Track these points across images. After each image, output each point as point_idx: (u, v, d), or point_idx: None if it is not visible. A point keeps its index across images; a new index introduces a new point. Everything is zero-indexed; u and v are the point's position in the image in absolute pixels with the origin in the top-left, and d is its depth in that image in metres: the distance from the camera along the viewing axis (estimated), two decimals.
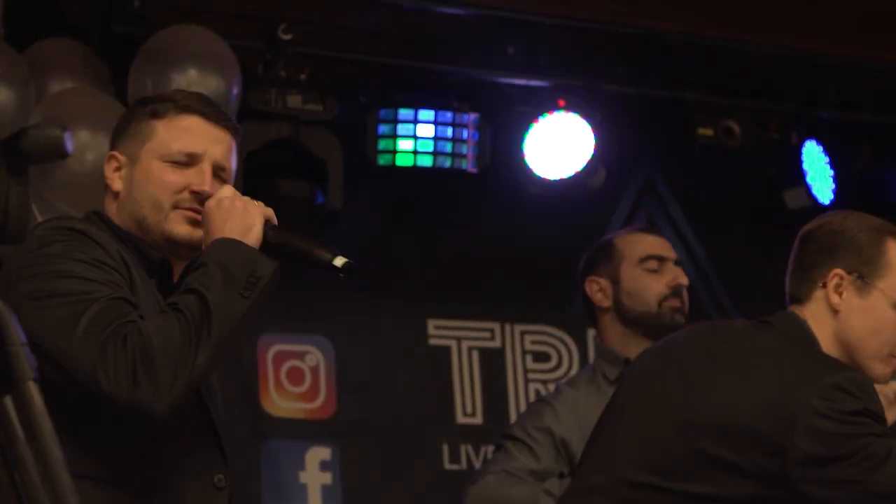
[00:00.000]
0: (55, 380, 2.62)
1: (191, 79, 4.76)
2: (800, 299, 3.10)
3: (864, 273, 3.07)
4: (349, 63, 5.28)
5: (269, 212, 2.90)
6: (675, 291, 4.23)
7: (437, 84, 5.40)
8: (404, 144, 5.29)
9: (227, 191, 2.90)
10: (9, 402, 2.38)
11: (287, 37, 5.06)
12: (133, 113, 3.02)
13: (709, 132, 5.79)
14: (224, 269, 2.74)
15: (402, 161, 5.30)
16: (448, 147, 5.33)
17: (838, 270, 3.08)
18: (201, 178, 2.92)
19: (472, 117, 5.37)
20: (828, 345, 3.06)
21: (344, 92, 5.22)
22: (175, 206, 2.91)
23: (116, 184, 2.96)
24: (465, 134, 5.35)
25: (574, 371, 5.79)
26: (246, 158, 4.99)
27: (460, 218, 5.65)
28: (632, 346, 4.13)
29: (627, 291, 4.25)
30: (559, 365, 5.88)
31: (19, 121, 4.67)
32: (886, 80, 6.04)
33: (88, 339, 2.66)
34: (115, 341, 2.65)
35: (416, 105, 5.30)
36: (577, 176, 5.53)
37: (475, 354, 5.77)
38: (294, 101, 5.04)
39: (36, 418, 2.35)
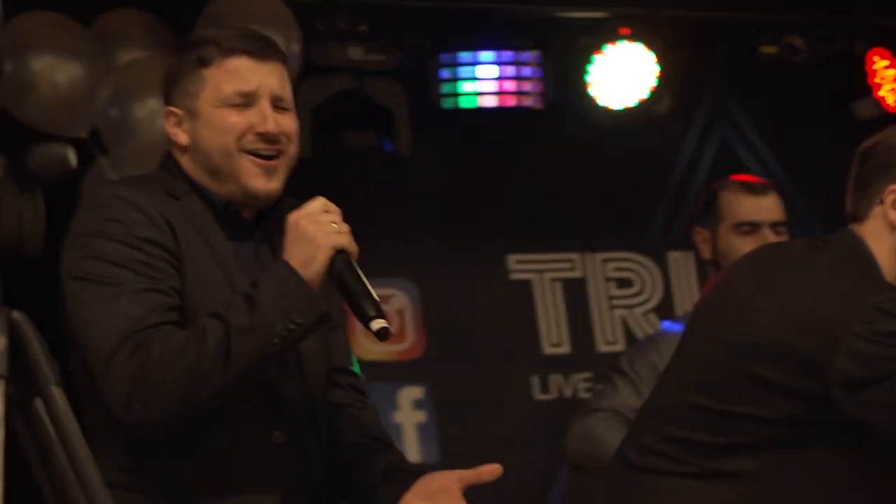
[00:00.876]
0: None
1: None
2: (859, 217, 3.07)
3: None
4: (407, 10, 5.36)
5: (345, 241, 2.83)
6: None
7: (495, 24, 5.48)
8: (468, 87, 5.40)
9: (315, 205, 2.88)
10: (39, 404, 2.55)
11: None
12: (180, 64, 2.99)
13: (773, 50, 5.81)
14: (262, 311, 2.70)
15: (467, 103, 5.40)
16: (511, 86, 5.42)
17: (891, 188, 3.03)
18: (262, 116, 2.92)
19: (533, 54, 5.46)
20: (887, 261, 3.02)
21: (404, 40, 5.30)
22: (242, 150, 2.92)
23: (182, 137, 2.95)
24: (527, 71, 5.44)
25: (658, 296, 5.90)
26: (312, 113, 5.15)
27: (530, 154, 5.73)
28: None
29: (722, 253, 4.31)
30: (642, 290, 5.97)
31: (91, 95, 4.85)
32: None
33: (104, 341, 2.70)
34: (124, 356, 2.68)
35: (476, 47, 5.39)
36: (643, 104, 5.60)
37: (557, 285, 5.88)
38: (355, 52, 5.16)
39: (61, 419, 2.51)
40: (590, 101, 5.60)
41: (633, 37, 5.63)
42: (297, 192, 5.44)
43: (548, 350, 5.81)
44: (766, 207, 4.34)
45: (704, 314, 3.13)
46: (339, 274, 2.75)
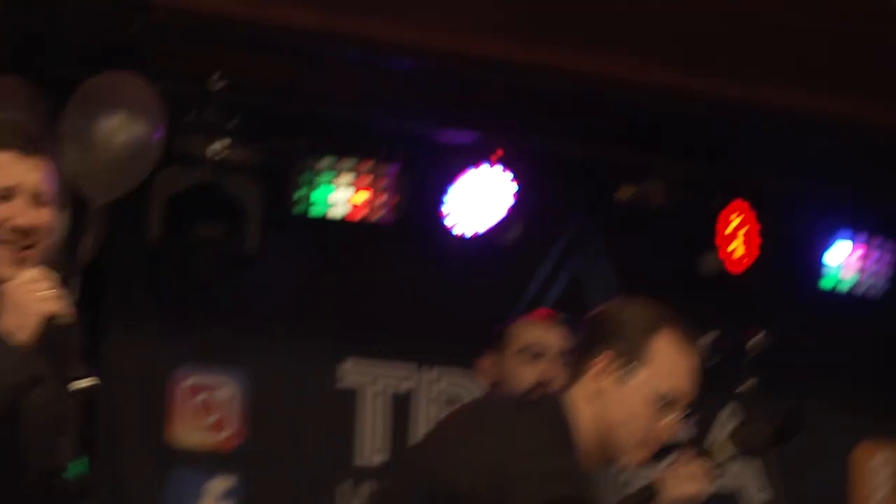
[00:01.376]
0: None
1: (118, 122, 4.93)
2: (573, 379, 3.20)
3: (630, 361, 3.15)
4: (276, 113, 5.41)
5: (56, 307, 2.87)
6: (544, 384, 4.25)
7: (359, 135, 5.55)
8: (323, 193, 5.45)
9: (28, 275, 2.91)
10: None
11: (219, 85, 5.20)
12: None
13: (631, 192, 5.95)
14: None
15: (321, 210, 5.46)
16: (365, 198, 5.49)
17: (606, 354, 3.16)
18: (16, 210, 2.97)
19: (391, 168, 5.52)
20: (587, 426, 3.14)
21: (269, 141, 5.35)
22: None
23: None
24: (383, 184, 5.51)
25: None
26: (168, 201, 5.18)
27: (378, 265, 5.81)
28: None
29: (505, 378, 4.38)
30: None
31: None
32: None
33: None
34: None
35: (337, 154, 5.45)
36: (492, 231, 5.70)
37: (386, 397, 5.94)
38: (218, 147, 5.20)
39: None
40: (441, 222, 5.69)
41: (495, 162, 5.72)
42: (146, 275, 5.51)
43: (364, 459, 5.86)
44: (554, 337, 4.40)
45: (410, 457, 3.26)
46: (49, 337, 2.82)
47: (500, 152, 5.75)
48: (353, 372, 5.91)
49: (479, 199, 5.74)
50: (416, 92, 5.57)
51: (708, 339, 4.26)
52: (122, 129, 4.95)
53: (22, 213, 2.96)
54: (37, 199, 3.00)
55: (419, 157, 5.69)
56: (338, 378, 5.87)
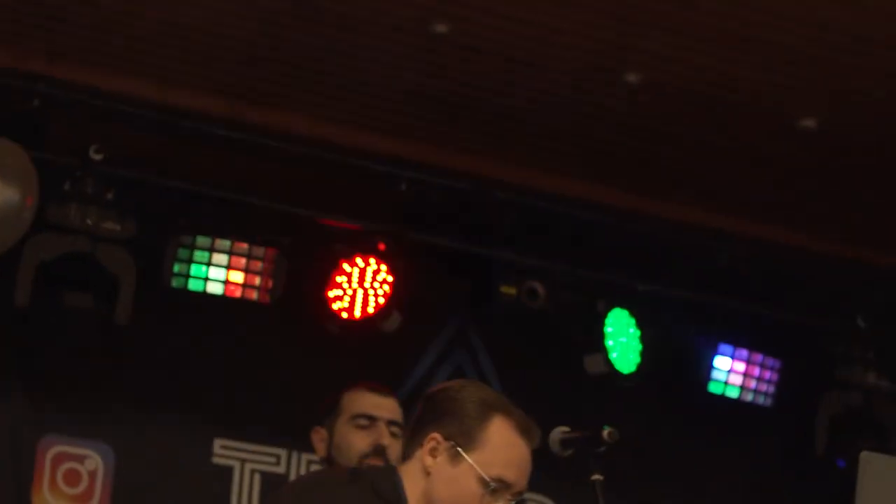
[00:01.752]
0: None
1: None
2: (406, 456, 3.27)
3: (461, 443, 3.20)
4: (155, 188, 5.50)
5: None
6: (377, 450, 4.34)
7: (242, 216, 5.64)
8: (198, 270, 5.54)
9: None
10: None
11: (98, 157, 5.31)
12: None
13: (512, 291, 6.03)
14: None
15: (195, 286, 5.53)
16: (240, 277, 5.57)
17: (436, 434, 3.21)
18: None
19: (268, 251, 5.62)
20: (416, 502, 3.19)
21: (146, 215, 5.44)
22: None
23: None
24: (259, 266, 5.60)
25: None
26: (38, 268, 5.25)
27: (254, 345, 5.86)
28: None
29: (337, 447, 4.39)
30: None
31: None
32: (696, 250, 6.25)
33: None
34: None
35: (214, 234, 5.54)
36: (371, 318, 5.78)
37: (257, 477, 5.96)
38: (93, 218, 5.28)
39: None
40: (321, 305, 5.76)
41: (380, 253, 5.82)
42: (14, 340, 5.55)
43: None
44: (385, 405, 4.44)
45: None
46: None
47: (381, 246, 5.84)
48: (225, 452, 5.93)
49: (358, 287, 5.81)
50: (300, 178, 5.68)
51: (563, 431, 4.32)
52: None
53: None
54: None
55: (298, 241, 5.77)
56: (211, 454, 5.89)
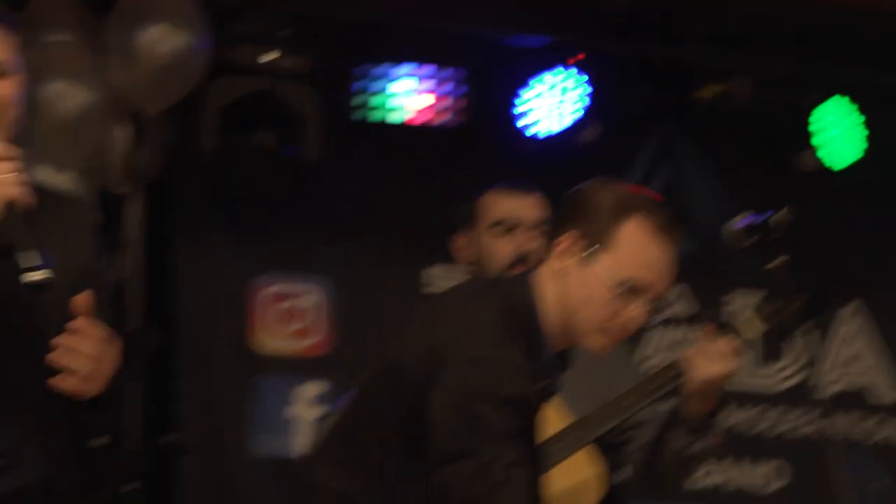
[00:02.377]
0: None
1: (158, 34, 5.09)
2: (543, 258, 3.16)
3: (592, 243, 3.07)
4: (331, 19, 5.46)
5: (13, 192, 2.73)
6: (520, 258, 4.17)
7: (425, 39, 5.55)
8: (383, 99, 5.49)
9: None
10: None
11: None
12: None
13: (714, 93, 5.79)
14: None
15: (381, 115, 5.49)
16: (428, 101, 5.49)
17: (570, 234, 3.09)
18: None
19: (456, 71, 5.51)
20: (551, 305, 3.09)
21: (324, 48, 5.41)
22: None
23: None
24: (445, 88, 5.50)
25: None
26: (222, 112, 5.31)
27: (445, 170, 5.79)
28: None
29: (482, 256, 4.24)
30: None
31: None
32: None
33: None
34: None
35: (398, 59, 5.47)
36: (568, 130, 5.64)
37: None
38: (270, 56, 5.29)
39: None
40: (513, 123, 5.65)
41: (572, 65, 5.66)
42: (195, 185, 5.64)
43: None
44: (526, 206, 4.24)
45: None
46: (4, 225, 2.71)
47: (580, 56, 5.67)
48: (440, 277, 5.93)
49: (553, 102, 5.67)
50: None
51: (740, 220, 4.14)
52: (164, 40, 5.10)
53: None
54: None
55: (488, 61, 5.65)
56: (422, 284, 5.89)
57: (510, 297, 3.08)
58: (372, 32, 5.52)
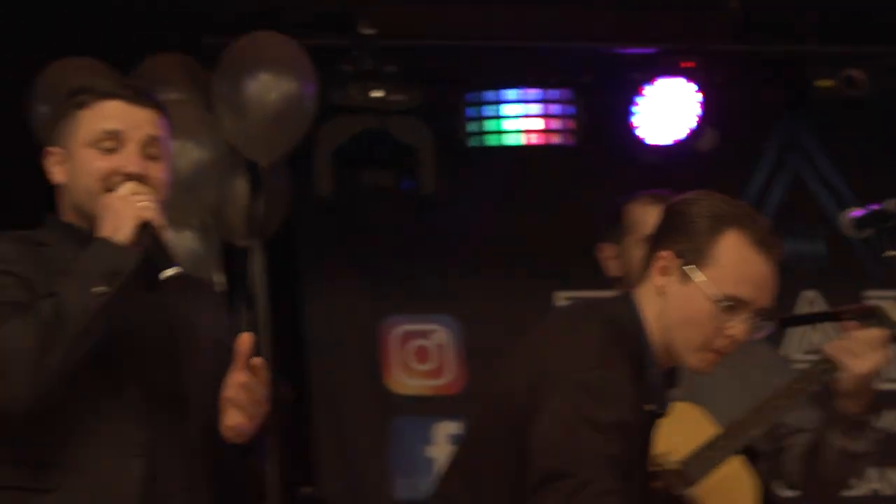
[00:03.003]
0: None
1: (264, 83, 5.07)
2: (644, 276, 3.08)
3: (691, 260, 2.99)
4: (435, 49, 5.42)
5: (150, 214, 2.97)
6: None
7: (533, 60, 5.49)
8: (494, 124, 5.42)
9: (124, 189, 3.01)
10: None
11: (369, 31, 5.26)
12: (60, 108, 3.15)
13: (831, 84, 5.64)
14: (83, 268, 2.92)
15: (493, 140, 5.43)
16: (538, 123, 5.42)
17: (667, 252, 3.01)
18: (131, 158, 3.03)
19: (563, 92, 5.44)
20: (653, 325, 3.02)
21: (430, 79, 5.37)
22: (110, 191, 3.03)
23: (58, 177, 3.11)
24: (556, 109, 5.43)
25: None
26: (336, 153, 5.28)
27: (564, 189, 5.71)
28: None
29: (627, 263, 4.10)
30: None
31: None
32: None
33: None
34: None
35: (503, 85, 5.41)
36: (685, 139, 5.53)
37: None
38: (377, 92, 5.25)
39: None
40: (632, 136, 5.55)
41: (682, 72, 5.56)
42: (316, 230, 5.62)
43: None
44: None
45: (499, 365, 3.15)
46: (141, 240, 2.96)
47: (684, 64, 5.57)
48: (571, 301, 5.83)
49: (666, 111, 5.56)
50: (579, 15, 5.48)
51: (856, 210, 3.99)
52: (271, 88, 5.08)
53: (131, 162, 3.03)
54: (148, 151, 3.07)
55: (595, 76, 5.57)
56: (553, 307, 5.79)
57: (615, 317, 3.01)
58: (478, 59, 5.47)
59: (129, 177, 3.02)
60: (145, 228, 2.98)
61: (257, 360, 2.96)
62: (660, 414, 3.08)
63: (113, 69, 5.04)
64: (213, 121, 5.17)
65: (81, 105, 3.10)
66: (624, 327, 2.99)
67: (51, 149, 3.13)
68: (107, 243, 2.95)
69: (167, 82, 5.27)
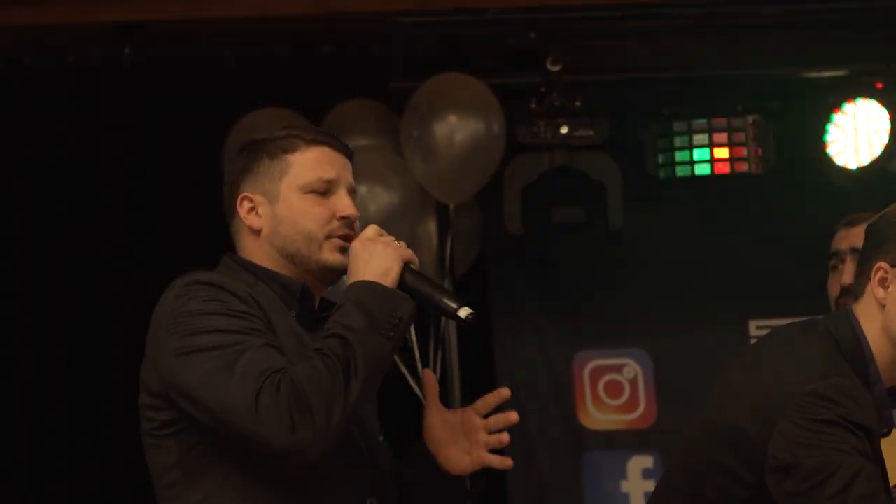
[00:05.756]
0: (210, 427, 2.83)
1: (452, 125, 5.11)
2: (857, 294, 3.03)
3: None
4: (617, 84, 5.41)
5: (409, 254, 2.94)
6: (844, 291, 4.03)
7: (710, 90, 5.45)
8: (683, 155, 5.38)
9: (371, 231, 2.97)
10: None
11: (556, 68, 5.26)
12: (257, 152, 3.07)
13: None
14: (366, 311, 2.83)
15: (682, 172, 5.39)
16: (725, 152, 5.37)
17: (882, 263, 2.96)
18: (345, 202, 3.01)
19: (749, 119, 5.39)
20: (876, 340, 2.96)
21: (615, 113, 5.36)
22: (328, 236, 2.99)
23: (256, 222, 3.03)
24: (743, 136, 5.38)
25: None
26: (523, 190, 5.29)
27: (755, 217, 5.64)
28: None
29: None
30: None
31: None
32: None
33: (245, 387, 2.77)
34: (270, 389, 2.76)
35: (689, 116, 5.37)
36: (877, 161, 5.43)
37: None
38: (564, 129, 5.25)
39: None
40: (823, 161, 5.47)
41: (876, 92, 5.47)
42: (506, 268, 5.63)
43: None
44: (846, 236, 4.11)
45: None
46: (411, 283, 2.89)
47: (878, 85, 5.48)
48: (761, 333, 5.74)
49: (858, 134, 5.47)
50: (763, 40, 5.42)
51: None
52: (458, 129, 5.11)
53: (347, 207, 3.01)
54: (352, 195, 3.05)
55: (782, 101, 5.51)
56: (748, 337, 5.72)
57: (834, 332, 2.98)
58: (663, 90, 5.44)
59: (344, 219, 2.99)
60: (406, 269, 2.92)
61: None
62: (887, 433, 3.03)
63: (303, 117, 5.12)
64: (402, 164, 5.21)
65: (290, 150, 3.04)
66: (845, 341, 2.96)
67: (249, 195, 3.03)
68: (382, 288, 2.87)
69: (357, 128, 5.33)
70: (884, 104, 5.45)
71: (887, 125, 5.44)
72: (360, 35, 5.27)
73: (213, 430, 2.82)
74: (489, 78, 5.22)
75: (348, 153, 3.10)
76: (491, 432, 3.05)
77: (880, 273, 2.97)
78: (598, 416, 5.68)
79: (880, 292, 2.97)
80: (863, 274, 3.02)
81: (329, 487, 2.89)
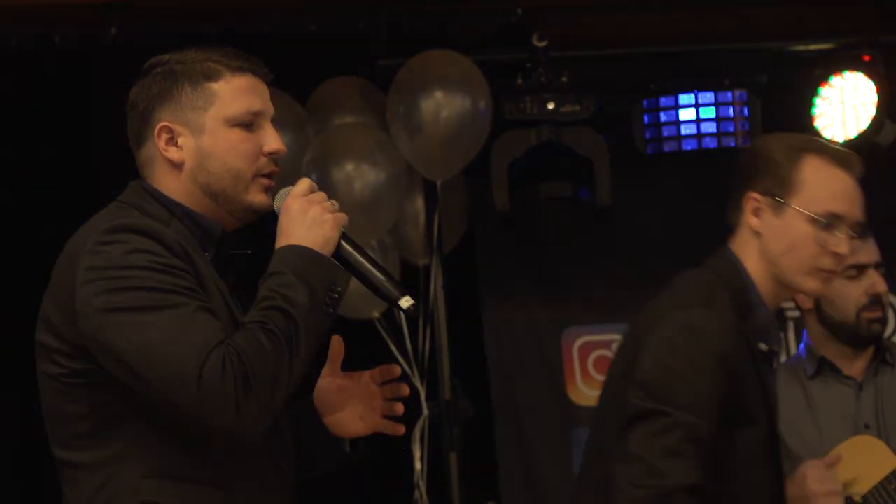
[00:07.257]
0: (130, 386, 2.65)
1: (438, 101, 5.10)
2: (732, 228, 3.22)
3: (779, 193, 3.12)
4: (605, 58, 5.40)
5: (344, 219, 2.77)
6: (874, 300, 3.99)
7: (698, 66, 5.45)
8: (669, 130, 5.38)
9: (304, 186, 2.79)
10: None
11: (542, 44, 5.26)
12: (175, 78, 2.82)
13: None
14: (308, 285, 2.68)
15: (669, 147, 5.38)
16: (712, 126, 5.37)
17: (752, 193, 3.15)
18: (272, 136, 2.82)
19: (736, 94, 5.38)
20: (755, 268, 3.14)
21: (602, 89, 5.35)
22: (256, 175, 2.81)
23: (177, 155, 2.81)
24: (730, 111, 5.37)
25: None
26: (510, 166, 5.29)
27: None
28: (830, 347, 4.07)
29: (827, 298, 4.00)
30: None
31: (298, 158, 5.17)
32: None
33: (188, 361, 2.60)
34: (216, 366, 2.60)
35: (676, 90, 5.37)
36: (864, 134, 5.43)
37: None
38: (550, 105, 5.24)
39: None
40: (808, 132, 5.46)
41: (862, 65, 5.46)
42: (495, 245, 5.63)
43: None
44: (868, 250, 4.01)
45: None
46: (348, 256, 2.75)
47: (864, 58, 5.48)
48: None
49: (844, 107, 5.47)
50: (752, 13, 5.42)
51: None
52: (444, 106, 5.11)
53: (275, 141, 2.81)
54: (274, 125, 2.86)
55: (767, 76, 5.50)
56: None
57: (718, 271, 3.18)
58: (650, 65, 5.43)
59: (274, 155, 2.82)
60: (344, 240, 2.76)
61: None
62: (772, 355, 3.20)
63: (288, 95, 5.11)
64: (389, 142, 5.21)
65: (212, 78, 2.81)
66: (724, 271, 3.17)
67: (168, 124, 2.80)
68: (324, 260, 2.71)
69: (343, 106, 5.33)
70: (870, 77, 5.45)
71: (874, 98, 5.44)
72: (347, 12, 5.26)
73: (132, 389, 2.66)
74: (475, 54, 5.22)
75: (268, 79, 2.87)
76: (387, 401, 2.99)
77: (752, 203, 3.15)
78: (588, 391, 5.68)
79: (755, 221, 3.16)
80: (735, 207, 3.20)
81: (246, 453, 2.77)
